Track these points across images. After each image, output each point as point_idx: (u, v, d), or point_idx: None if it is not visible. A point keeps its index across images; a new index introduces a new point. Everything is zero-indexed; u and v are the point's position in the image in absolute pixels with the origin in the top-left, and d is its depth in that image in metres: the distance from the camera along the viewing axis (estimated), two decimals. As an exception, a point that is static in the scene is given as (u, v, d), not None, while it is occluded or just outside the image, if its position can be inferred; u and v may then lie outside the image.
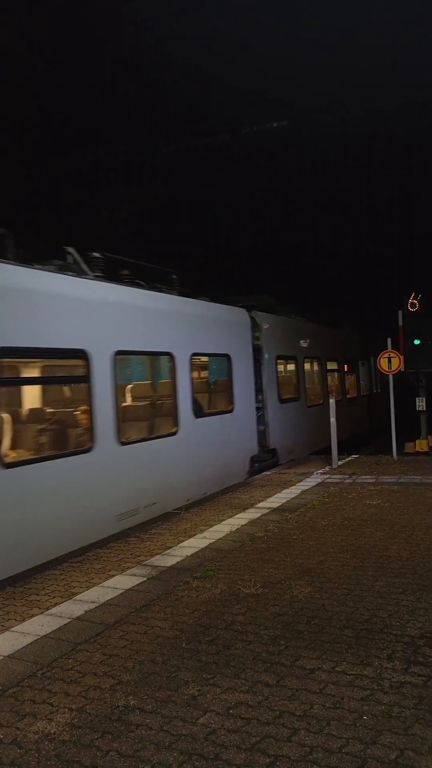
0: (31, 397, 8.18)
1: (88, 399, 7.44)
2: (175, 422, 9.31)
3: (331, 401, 12.17)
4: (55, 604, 5.31)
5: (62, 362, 7.83)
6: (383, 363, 13.50)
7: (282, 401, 13.67)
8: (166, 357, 9.42)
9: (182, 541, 7.13)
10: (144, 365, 10.22)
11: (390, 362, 13.40)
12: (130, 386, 9.70)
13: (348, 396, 19.84)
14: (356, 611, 4.77)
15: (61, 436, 7.79)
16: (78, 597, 5.46)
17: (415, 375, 16.28)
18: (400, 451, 13.69)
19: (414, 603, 4.86)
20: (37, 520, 6.52)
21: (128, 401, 9.48)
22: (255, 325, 12.63)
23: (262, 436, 12.53)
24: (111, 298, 8.14)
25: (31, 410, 8.04)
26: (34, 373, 8.11)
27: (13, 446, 7.18)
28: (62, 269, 7.85)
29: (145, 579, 5.83)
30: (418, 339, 14.96)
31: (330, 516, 7.91)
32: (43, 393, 8.35)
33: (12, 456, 6.82)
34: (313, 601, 5.02)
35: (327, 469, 11.94)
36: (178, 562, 6.29)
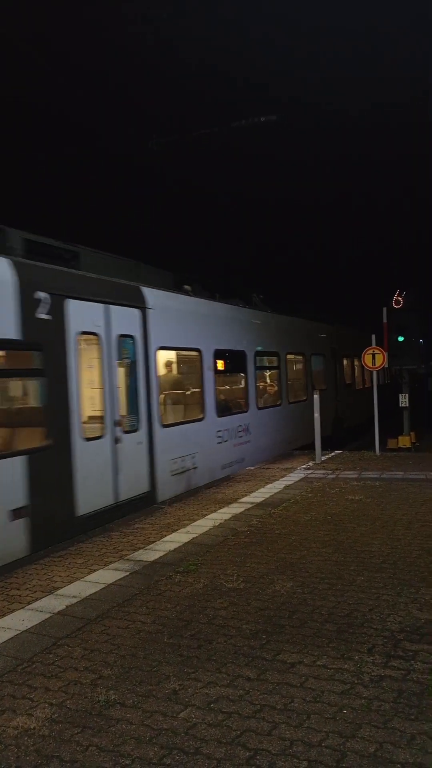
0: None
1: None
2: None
3: (315, 397, 12.22)
4: (37, 599, 5.28)
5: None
6: (367, 359, 13.58)
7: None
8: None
9: (165, 535, 7.12)
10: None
11: (374, 358, 13.48)
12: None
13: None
14: (337, 606, 4.80)
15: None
16: (59, 592, 5.44)
17: (399, 371, 16.40)
18: (383, 447, 13.79)
19: (394, 597, 4.90)
20: None
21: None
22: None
23: None
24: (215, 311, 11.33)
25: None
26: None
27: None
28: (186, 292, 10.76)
29: (128, 573, 5.81)
30: (402, 336, 15.05)
31: (313, 511, 7.95)
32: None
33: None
34: (295, 596, 5.04)
35: (311, 464, 11.99)
36: (160, 557, 6.28)
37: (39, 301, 6.83)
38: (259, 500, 8.80)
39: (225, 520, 7.70)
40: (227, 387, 12.25)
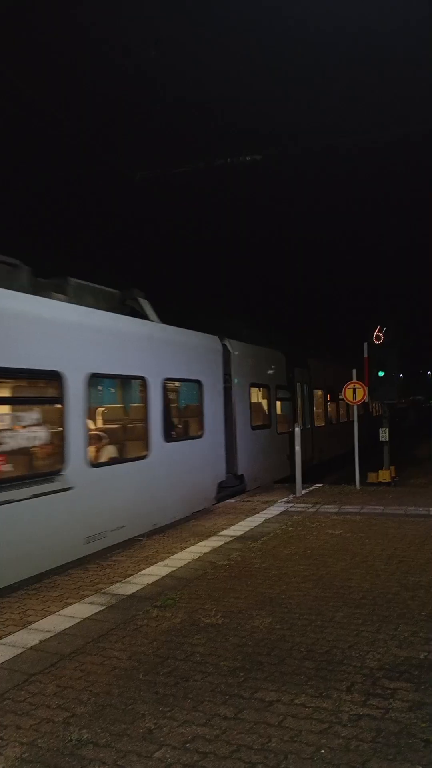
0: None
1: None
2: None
3: (297, 430, 12.25)
4: (9, 633, 5.14)
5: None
6: (348, 394, 13.71)
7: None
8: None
9: (143, 568, 7.01)
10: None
11: (355, 393, 13.61)
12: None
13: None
14: (317, 642, 4.75)
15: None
16: (33, 626, 5.30)
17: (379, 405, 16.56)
18: (363, 481, 13.82)
19: (374, 634, 4.87)
20: None
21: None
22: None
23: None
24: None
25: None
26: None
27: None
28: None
29: (104, 607, 5.70)
30: (382, 370, 15.24)
31: (293, 545, 7.90)
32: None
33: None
34: (273, 632, 4.97)
35: (291, 497, 11.96)
36: (138, 590, 6.18)
37: None
38: (239, 533, 8.73)
39: (204, 553, 7.62)
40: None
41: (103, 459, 8.66)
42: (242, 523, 9.54)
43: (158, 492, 9.34)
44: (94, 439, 8.47)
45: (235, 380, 12.70)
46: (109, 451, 8.88)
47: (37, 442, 7.21)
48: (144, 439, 9.17)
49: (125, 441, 9.44)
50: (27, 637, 5.04)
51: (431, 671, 4.21)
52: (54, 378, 7.20)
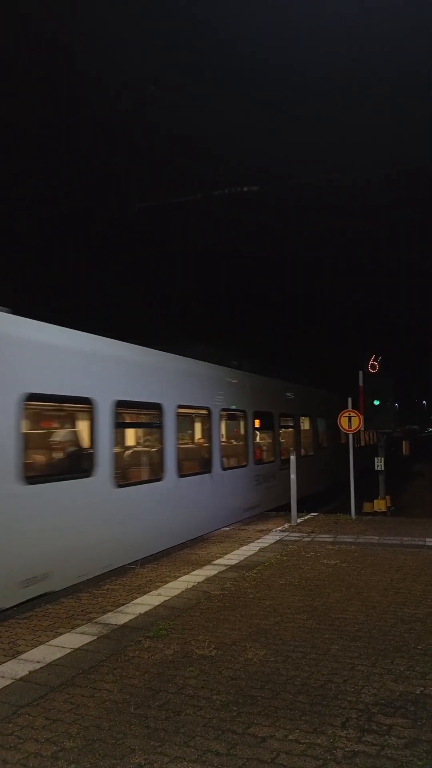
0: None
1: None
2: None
3: (292, 458, 12.22)
4: (-2, 664, 5.04)
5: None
6: (344, 422, 13.71)
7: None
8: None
9: (136, 597, 6.92)
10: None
11: (350, 421, 13.62)
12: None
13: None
14: (311, 676, 4.67)
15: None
16: (23, 656, 5.20)
17: (375, 434, 16.58)
18: (359, 510, 13.74)
19: (369, 668, 4.79)
20: None
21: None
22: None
23: None
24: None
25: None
26: None
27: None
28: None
29: (95, 638, 5.61)
30: (377, 399, 15.28)
31: (288, 575, 7.82)
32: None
33: None
34: (267, 665, 4.89)
35: (286, 526, 11.87)
36: (130, 620, 6.09)
37: None
38: (233, 562, 8.64)
39: (198, 582, 7.53)
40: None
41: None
42: (237, 551, 9.44)
43: None
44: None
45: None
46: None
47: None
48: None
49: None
50: (16, 668, 4.94)
51: (427, 707, 4.14)
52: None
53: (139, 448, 10.72)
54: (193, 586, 7.36)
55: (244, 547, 9.76)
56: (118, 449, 9.05)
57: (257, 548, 9.66)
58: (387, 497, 15.64)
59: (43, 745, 3.76)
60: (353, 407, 13.89)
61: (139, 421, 10.73)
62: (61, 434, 8.82)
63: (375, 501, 15.39)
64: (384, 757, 3.53)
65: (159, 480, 9.84)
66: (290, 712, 4.10)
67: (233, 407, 13.18)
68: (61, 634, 5.74)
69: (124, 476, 9.31)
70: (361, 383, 15.12)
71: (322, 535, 10.70)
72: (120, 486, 8.67)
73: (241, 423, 13.78)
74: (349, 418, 13.64)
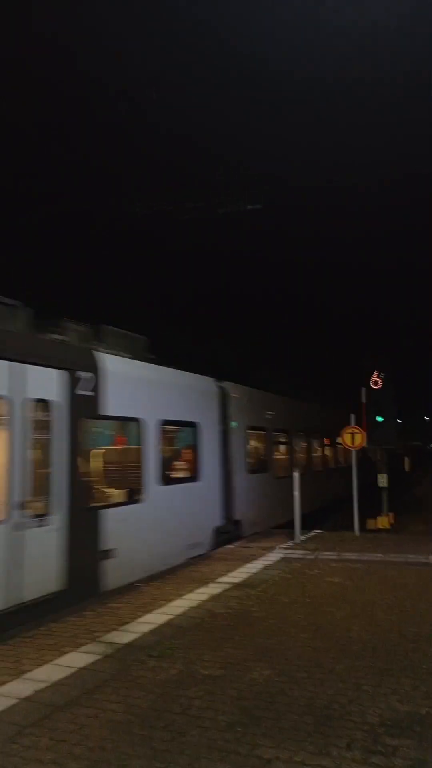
0: None
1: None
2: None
3: (295, 475, 12.21)
4: (3, 683, 5.03)
5: None
6: (347, 438, 13.73)
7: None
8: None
9: (140, 616, 6.90)
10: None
11: (353, 438, 13.64)
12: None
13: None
14: (316, 696, 4.66)
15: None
16: (27, 675, 5.20)
17: (376, 451, 16.58)
18: (362, 527, 13.70)
19: (374, 688, 4.78)
20: None
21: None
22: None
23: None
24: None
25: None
26: None
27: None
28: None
29: (100, 657, 5.60)
30: (380, 416, 15.31)
31: (292, 593, 7.79)
32: None
33: None
34: (272, 685, 4.88)
35: (290, 543, 11.83)
36: (135, 639, 6.07)
37: None
38: (237, 580, 8.61)
39: (202, 600, 7.51)
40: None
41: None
42: (241, 569, 9.42)
43: None
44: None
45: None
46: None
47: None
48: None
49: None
50: (21, 687, 4.93)
51: (433, 728, 4.12)
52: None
53: None
54: (198, 604, 7.34)
55: (249, 565, 9.74)
56: None
57: (261, 566, 9.64)
58: (390, 514, 15.59)
59: (47, 766, 3.75)
60: (356, 424, 13.91)
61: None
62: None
63: (378, 518, 15.33)
64: (390, 779, 3.51)
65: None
66: (295, 733, 4.08)
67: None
68: (65, 653, 5.73)
69: None
70: (363, 400, 15.15)
71: (326, 553, 10.66)
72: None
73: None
74: (353, 434, 13.65)
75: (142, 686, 4.91)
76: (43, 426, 7.31)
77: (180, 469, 10.96)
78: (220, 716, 4.36)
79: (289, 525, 12.46)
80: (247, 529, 13.03)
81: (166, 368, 10.64)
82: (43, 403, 7.35)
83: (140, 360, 9.94)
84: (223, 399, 12.51)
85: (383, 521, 15.21)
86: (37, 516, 7.08)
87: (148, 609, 7.19)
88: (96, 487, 8.96)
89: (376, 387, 16.56)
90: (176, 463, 11.01)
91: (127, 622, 6.66)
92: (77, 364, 7.97)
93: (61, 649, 5.85)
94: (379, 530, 14.69)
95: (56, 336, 8.17)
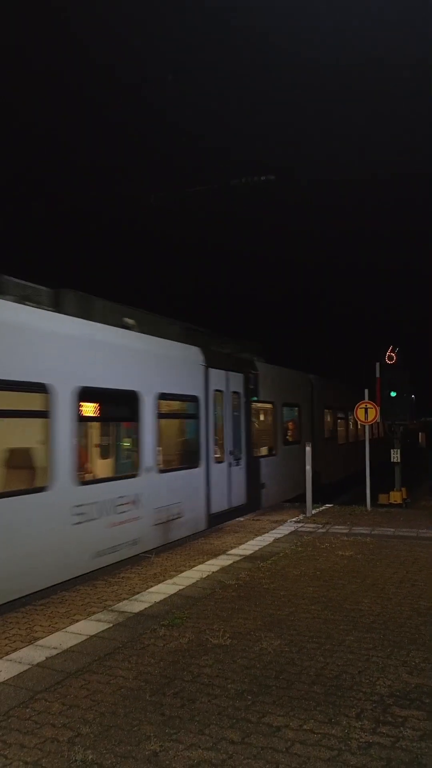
0: None
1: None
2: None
3: (307, 448, 12.18)
4: (15, 649, 5.11)
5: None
6: (360, 413, 13.63)
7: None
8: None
9: (151, 586, 6.96)
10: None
11: (366, 413, 13.53)
12: None
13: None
14: (326, 666, 4.67)
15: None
16: (40, 642, 5.27)
17: (391, 426, 16.46)
18: (374, 502, 13.68)
19: (384, 660, 4.78)
20: None
21: None
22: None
23: None
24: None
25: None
26: None
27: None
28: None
29: (111, 625, 5.66)
30: (394, 391, 15.16)
31: (302, 566, 7.82)
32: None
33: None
34: (282, 655, 4.90)
35: (301, 517, 11.86)
36: (145, 609, 6.13)
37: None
38: (248, 553, 8.65)
39: (213, 572, 7.55)
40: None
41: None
42: (251, 542, 9.46)
43: None
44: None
45: None
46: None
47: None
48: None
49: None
50: (33, 654, 5.00)
51: (443, 700, 4.12)
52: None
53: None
54: (208, 575, 7.39)
55: (259, 538, 9.77)
56: None
57: (272, 539, 9.67)
58: (403, 489, 15.54)
59: (59, 730, 3.80)
60: (370, 399, 13.79)
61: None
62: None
63: (391, 493, 15.29)
64: (399, 749, 3.52)
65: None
66: (305, 702, 4.10)
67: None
68: (77, 621, 5.79)
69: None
70: (378, 375, 15.00)
71: (336, 527, 10.67)
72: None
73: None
74: (366, 409, 13.55)
75: (153, 654, 4.95)
76: (236, 407, 12.08)
77: (289, 436, 15.90)
78: (230, 684, 4.39)
79: (332, 487, 17.19)
80: (324, 479, 17.52)
81: (283, 368, 15.46)
82: (236, 394, 12.09)
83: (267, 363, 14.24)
84: (311, 387, 17.52)
85: (396, 496, 15.17)
86: (236, 459, 11.90)
87: (158, 579, 7.25)
88: (256, 444, 13.50)
89: (390, 362, 16.37)
90: (288, 431, 15.88)
91: (137, 592, 6.72)
92: (247, 368, 12.69)
93: (73, 617, 5.92)
94: (391, 505, 14.66)
95: (225, 348, 12.44)
